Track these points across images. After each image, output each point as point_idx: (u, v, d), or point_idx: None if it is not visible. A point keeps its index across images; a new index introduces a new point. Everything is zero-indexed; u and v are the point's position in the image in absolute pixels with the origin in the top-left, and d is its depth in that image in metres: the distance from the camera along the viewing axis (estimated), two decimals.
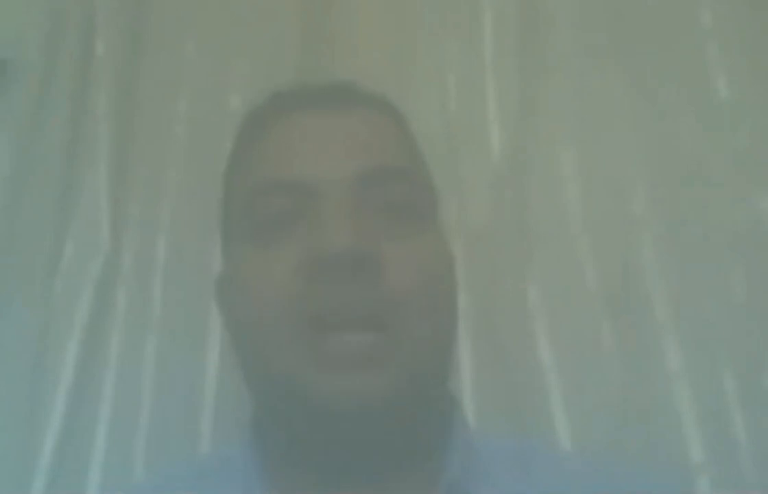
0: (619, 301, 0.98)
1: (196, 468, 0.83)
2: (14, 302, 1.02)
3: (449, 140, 1.04)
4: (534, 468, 0.76)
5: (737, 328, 0.95)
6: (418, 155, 0.78)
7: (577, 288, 0.99)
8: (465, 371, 0.97)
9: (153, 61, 1.08)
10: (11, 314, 1.01)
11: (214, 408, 0.98)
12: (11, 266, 1.03)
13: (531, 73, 1.05)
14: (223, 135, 1.01)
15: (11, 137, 1.06)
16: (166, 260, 1.02)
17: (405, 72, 1.06)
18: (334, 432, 0.69)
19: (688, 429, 0.93)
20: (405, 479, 0.72)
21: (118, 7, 1.09)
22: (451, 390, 0.78)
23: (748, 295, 0.96)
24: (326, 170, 0.71)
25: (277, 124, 0.75)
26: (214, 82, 1.05)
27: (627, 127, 1.02)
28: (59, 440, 0.98)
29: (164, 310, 1.01)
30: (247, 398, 0.76)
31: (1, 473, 0.96)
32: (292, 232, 0.70)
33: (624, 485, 0.76)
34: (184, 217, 1.02)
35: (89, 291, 1.02)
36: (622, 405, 0.95)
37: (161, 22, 1.08)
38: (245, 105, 0.98)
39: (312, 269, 0.68)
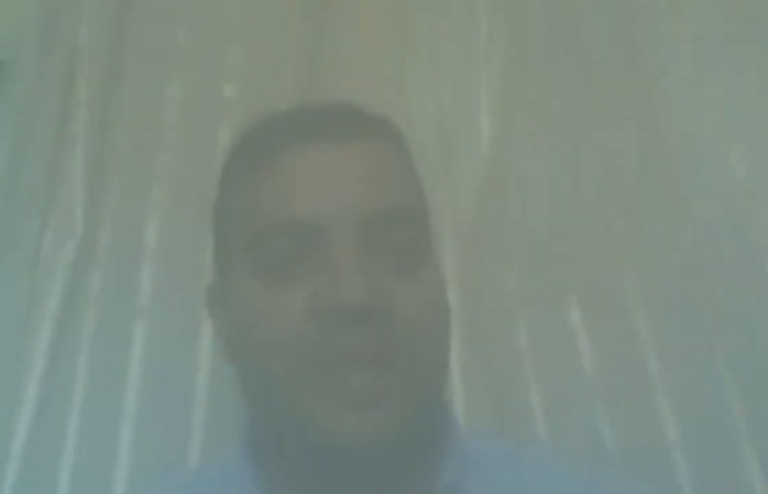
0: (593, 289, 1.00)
1: (189, 479, 0.83)
2: (2, 290, 1.01)
3: (442, 140, 1.05)
4: (527, 472, 0.78)
5: (707, 307, 0.98)
6: (418, 179, 0.78)
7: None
8: (455, 366, 0.98)
9: (142, 47, 1.07)
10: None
11: (205, 401, 0.97)
12: (6, 261, 1.02)
13: (523, 75, 1.06)
14: (215, 122, 1.03)
15: (9, 136, 1.05)
16: (156, 246, 1.01)
17: (402, 73, 1.07)
18: (347, 466, 0.70)
19: (662, 407, 0.96)
20: (403, 489, 0.73)
21: None
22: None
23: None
24: (333, 210, 0.71)
25: (281, 158, 0.74)
26: (206, 68, 1.04)
27: (619, 127, 1.03)
28: (32, 426, 0.97)
29: (153, 297, 1.00)
30: (243, 414, 0.77)
31: None
32: (300, 273, 0.71)
33: None
34: (175, 202, 1.02)
35: (61, 276, 1.01)
36: (596, 388, 0.98)
37: (151, 8, 1.07)
38: (239, 95, 0.99)
39: (324, 317, 0.69)
